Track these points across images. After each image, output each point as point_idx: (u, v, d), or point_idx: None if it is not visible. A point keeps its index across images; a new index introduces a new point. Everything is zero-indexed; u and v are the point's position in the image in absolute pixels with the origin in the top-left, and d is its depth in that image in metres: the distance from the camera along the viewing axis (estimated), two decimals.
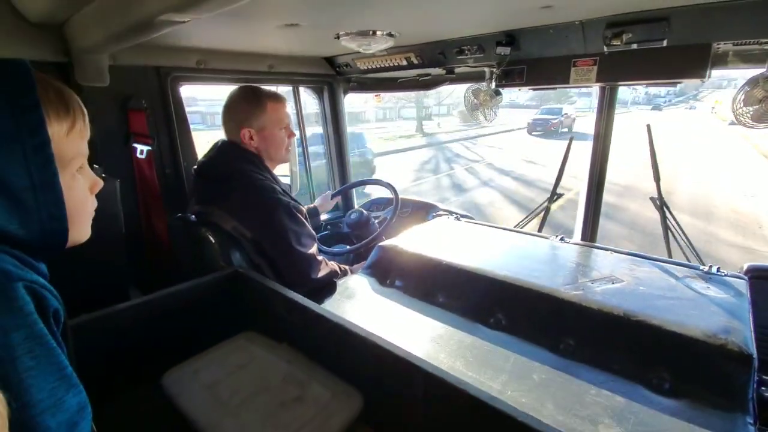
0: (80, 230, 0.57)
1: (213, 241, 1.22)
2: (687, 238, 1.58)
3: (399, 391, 0.71)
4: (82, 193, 0.56)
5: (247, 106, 1.33)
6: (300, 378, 0.77)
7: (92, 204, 0.60)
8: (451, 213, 1.87)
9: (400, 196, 1.87)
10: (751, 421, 0.69)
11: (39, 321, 0.44)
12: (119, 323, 0.88)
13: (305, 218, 1.34)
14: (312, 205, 1.92)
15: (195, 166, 1.40)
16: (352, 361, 0.79)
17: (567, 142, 1.78)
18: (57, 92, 0.51)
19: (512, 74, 1.57)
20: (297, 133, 2.24)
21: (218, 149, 1.36)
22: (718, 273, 1.09)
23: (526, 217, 1.86)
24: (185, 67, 1.56)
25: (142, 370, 0.84)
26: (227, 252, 1.24)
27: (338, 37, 1.34)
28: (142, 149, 1.47)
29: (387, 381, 0.73)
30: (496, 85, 1.66)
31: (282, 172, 2.32)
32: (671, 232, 1.61)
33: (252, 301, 1.02)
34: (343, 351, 0.80)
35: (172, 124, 1.55)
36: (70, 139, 0.52)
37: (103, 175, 1.06)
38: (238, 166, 1.30)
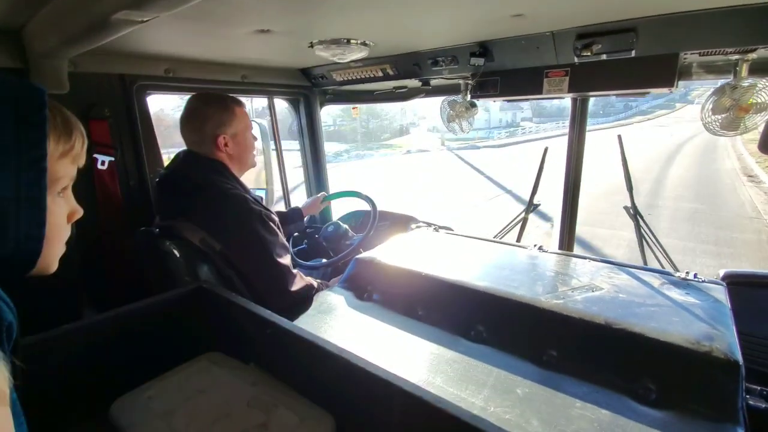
0: (49, 259, 0.54)
1: (178, 255, 1.14)
2: (661, 245, 1.59)
3: (374, 412, 0.66)
4: (60, 219, 0.54)
5: (216, 114, 1.27)
6: (266, 402, 0.70)
7: (66, 233, 0.56)
8: (429, 224, 1.84)
9: (379, 209, 1.83)
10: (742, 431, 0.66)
11: None
12: (68, 346, 0.80)
13: (278, 227, 1.29)
14: (296, 207, 1.85)
15: (157, 179, 1.33)
16: (325, 381, 0.73)
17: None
18: (64, 119, 0.53)
19: (486, 85, 1.58)
20: (272, 145, 2.20)
21: (182, 160, 1.30)
22: (695, 279, 1.09)
23: (505, 227, 1.85)
24: (152, 75, 1.49)
25: (96, 398, 0.75)
26: (194, 266, 1.16)
27: (312, 46, 1.32)
28: (103, 160, 1.39)
29: (361, 402, 0.67)
30: (471, 97, 1.67)
31: (254, 184, 2.26)
32: (645, 240, 1.63)
33: (217, 319, 0.95)
34: (314, 371, 0.74)
35: (137, 135, 1.48)
36: (63, 161, 0.53)
37: None
38: (208, 177, 1.24)
